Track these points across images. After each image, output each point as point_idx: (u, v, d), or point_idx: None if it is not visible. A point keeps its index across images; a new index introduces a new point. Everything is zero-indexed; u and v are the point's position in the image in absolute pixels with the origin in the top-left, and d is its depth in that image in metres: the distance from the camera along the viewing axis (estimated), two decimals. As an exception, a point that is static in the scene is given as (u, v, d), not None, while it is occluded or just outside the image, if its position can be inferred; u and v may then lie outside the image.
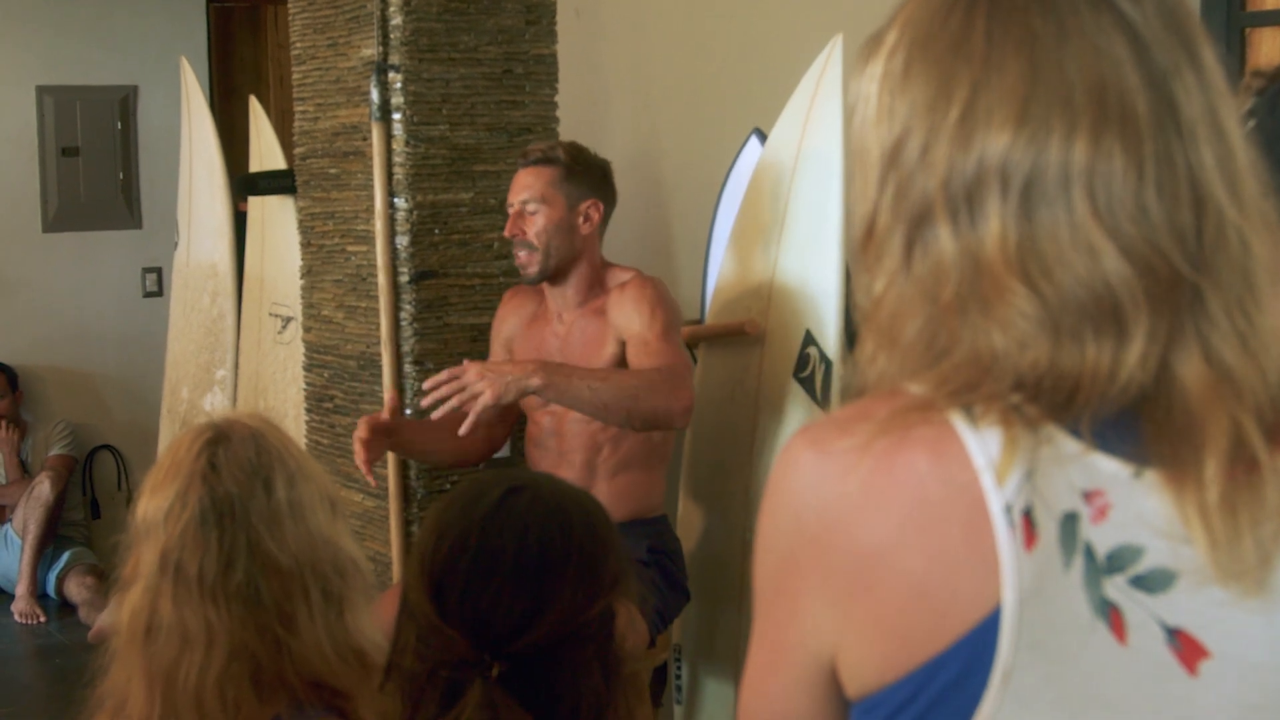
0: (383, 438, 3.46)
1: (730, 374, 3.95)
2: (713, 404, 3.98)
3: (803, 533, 1.09)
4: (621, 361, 3.44)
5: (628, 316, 3.43)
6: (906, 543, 1.04)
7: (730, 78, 5.02)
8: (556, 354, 3.53)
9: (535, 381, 3.15)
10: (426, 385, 3.25)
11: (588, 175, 3.53)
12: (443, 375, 3.21)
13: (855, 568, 1.06)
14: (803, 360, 3.73)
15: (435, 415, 3.22)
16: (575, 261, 3.51)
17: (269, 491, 1.84)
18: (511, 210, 3.52)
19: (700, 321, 4.23)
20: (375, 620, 1.93)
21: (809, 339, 3.71)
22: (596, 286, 3.54)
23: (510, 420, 3.74)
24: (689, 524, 4.01)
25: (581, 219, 3.50)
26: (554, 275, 3.50)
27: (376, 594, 2.07)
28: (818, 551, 1.08)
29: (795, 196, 3.83)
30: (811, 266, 3.76)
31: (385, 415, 3.51)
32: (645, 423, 3.28)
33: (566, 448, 3.52)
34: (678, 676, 4.07)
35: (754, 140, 4.47)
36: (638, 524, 3.47)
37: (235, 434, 1.87)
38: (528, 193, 3.49)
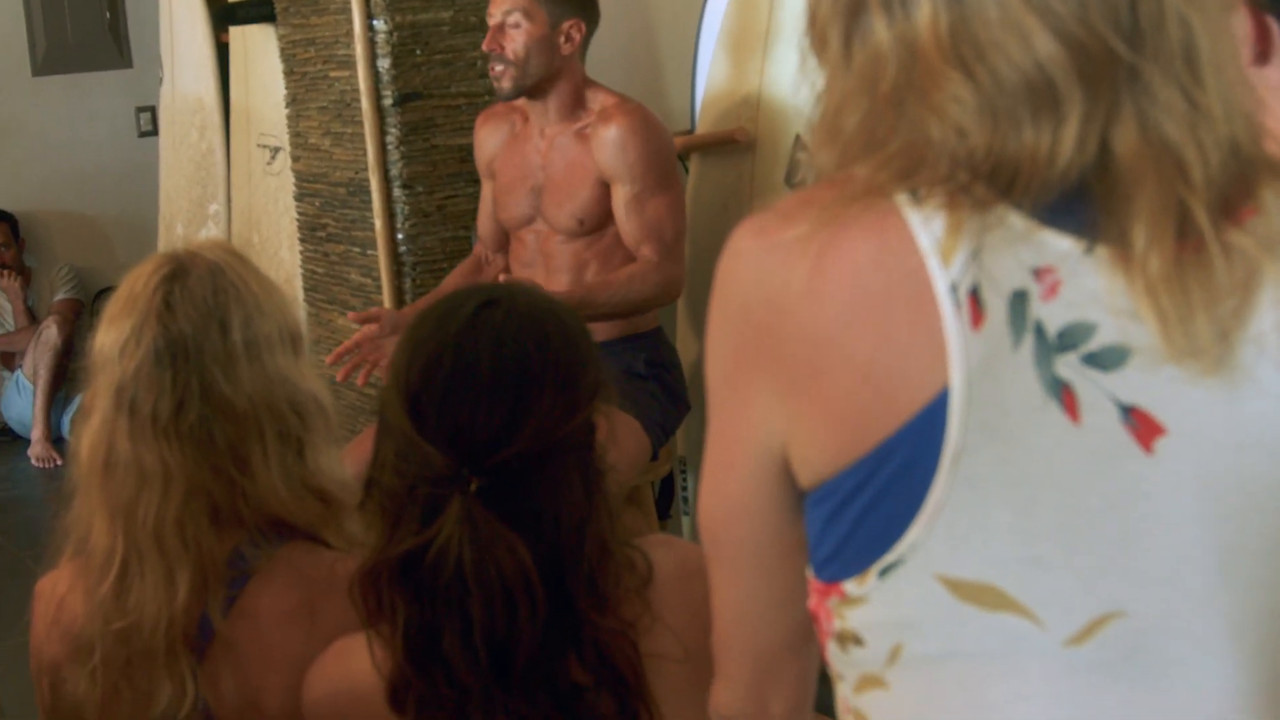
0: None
1: (723, 183, 3.91)
2: (707, 214, 3.95)
3: (751, 324, 1.08)
4: (606, 201, 3.40)
5: (612, 160, 3.37)
6: (853, 327, 1.03)
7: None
8: (539, 172, 3.49)
9: None
10: (330, 360, 3.30)
11: None
12: (346, 346, 3.26)
13: (803, 355, 1.05)
14: (794, 166, 3.69)
15: (340, 377, 3.31)
16: (554, 80, 3.43)
17: (224, 332, 1.80)
18: (492, 22, 3.44)
19: (691, 132, 4.18)
20: (352, 455, 1.91)
21: (799, 144, 3.67)
22: (578, 107, 3.47)
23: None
24: (688, 335, 4.01)
25: (563, 39, 3.42)
26: (531, 92, 3.44)
27: (343, 430, 2.05)
28: (766, 342, 1.07)
29: (780, 1, 3.77)
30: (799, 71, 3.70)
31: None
32: (638, 312, 3.40)
33: (553, 266, 3.48)
34: (684, 488, 4.09)
35: (739, -56, 4.38)
36: (633, 338, 3.46)
37: (194, 269, 1.83)
38: (510, 5, 3.42)
